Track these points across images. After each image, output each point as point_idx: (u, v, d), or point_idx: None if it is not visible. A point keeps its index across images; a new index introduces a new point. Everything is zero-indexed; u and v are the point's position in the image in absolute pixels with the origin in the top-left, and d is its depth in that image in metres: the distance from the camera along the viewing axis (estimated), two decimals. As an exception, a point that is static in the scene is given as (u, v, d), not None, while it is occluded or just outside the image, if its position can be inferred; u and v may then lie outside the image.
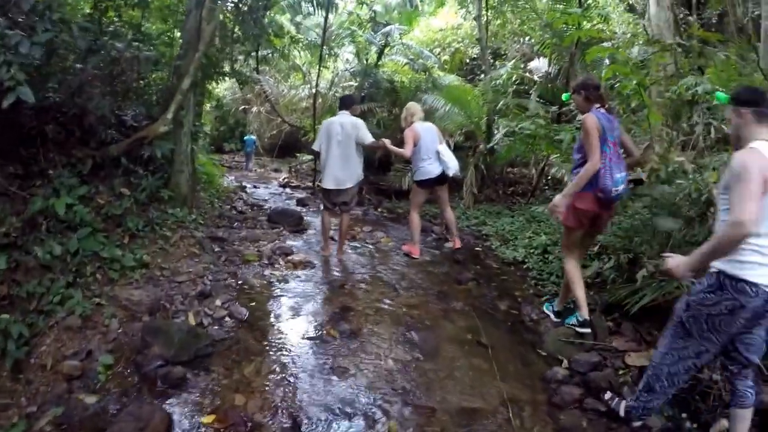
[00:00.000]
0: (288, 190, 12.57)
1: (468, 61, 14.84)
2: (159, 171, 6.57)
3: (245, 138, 18.25)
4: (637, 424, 2.86)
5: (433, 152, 5.72)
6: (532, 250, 6.03)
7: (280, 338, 3.73)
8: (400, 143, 6.07)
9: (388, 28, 11.76)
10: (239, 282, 4.80)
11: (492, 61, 12.14)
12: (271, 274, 5.05)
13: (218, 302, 4.25)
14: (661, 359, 2.65)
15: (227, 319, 4.00)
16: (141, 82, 6.92)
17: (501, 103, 9.10)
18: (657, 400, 2.71)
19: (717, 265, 2.39)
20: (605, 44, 10.79)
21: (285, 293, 4.59)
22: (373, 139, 5.55)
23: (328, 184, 5.46)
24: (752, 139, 2.35)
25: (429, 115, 9.66)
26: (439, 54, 14.47)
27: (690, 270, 2.42)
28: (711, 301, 2.40)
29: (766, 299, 2.33)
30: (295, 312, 4.16)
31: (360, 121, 5.49)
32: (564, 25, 9.76)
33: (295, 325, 3.94)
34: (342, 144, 5.34)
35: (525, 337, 4.05)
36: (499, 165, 9.63)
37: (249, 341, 3.67)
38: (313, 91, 12.84)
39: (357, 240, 6.66)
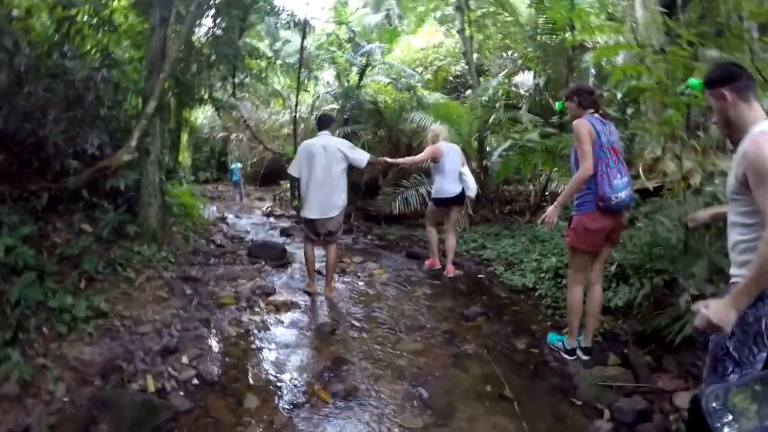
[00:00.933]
0: (272, 219, 11.92)
1: (451, 78, 14.51)
2: (125, 204, 5.98)
3: (231, 166, 17.61)
4: None
5: (455, 172, 5.66)
6: (542, 275, 5.42)
7: (258, 407, 3.01)
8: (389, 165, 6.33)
9: (368, 47, 11.31)
10: (212, 331, 4.13)
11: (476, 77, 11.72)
12: (249, 319, 4.38)
13: (185, 359, 3.56)
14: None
15: (195, 380, 3.30)
16: (105, 108, 6.32)
17: (492, 117, 8.61)
18: None
19: (745, 272, 1.89)
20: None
21: (265, 344, 3.90)
22: (370, 155, 5.24)
23: (311, 213, 4.87)
24: (749, 120, 1.95)
25: (417, 135, 9.16)
26: (421, 73, 14.08)
27: (736, 311, 1.82)
28: (753, 316, 1.90)
29: None
30: (278, 369, 3.46)
31: (347, 143, 5.12)
32: (550, 36, 9.47)
33: (277, 387, 3.24)
34: (325, 168, 4.79)
35: (553, 383, 3.40)
36: (494, 183, 9.09)
37: (220, 411, 2.97)
38: (293, 115, 12.34)
39: (347, 273, 6.01)
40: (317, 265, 5.47)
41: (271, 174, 19.90)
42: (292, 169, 4.99)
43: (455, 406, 3.04)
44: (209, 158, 22.64)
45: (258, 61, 11.17)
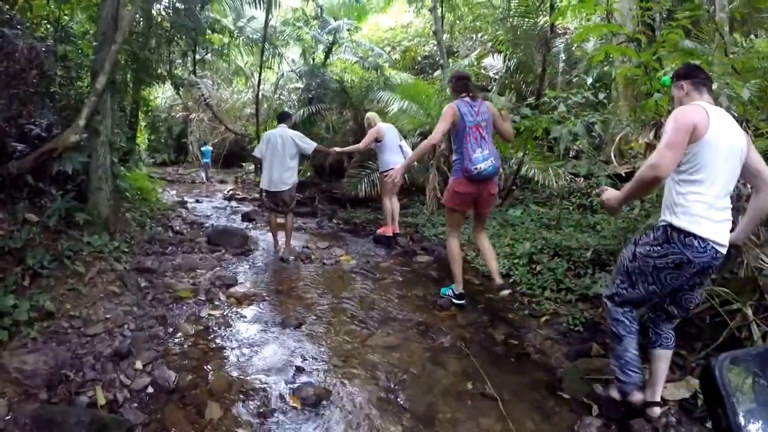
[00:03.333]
0: (233, 203, 11.47)
1: (420, 59, 14.23)
2: (75, 191, 5.54)
3: (202, 149, 17.34)
4: (637, 397, 2.61)
5: (396, 146, 6.59)
6: (516, 260, 5.27)
7: (221, 417, 2.70)
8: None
9: (336, 24, 10.88)
10: (169, 330, 3.79)
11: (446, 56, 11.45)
12: (209, 315, 4.05)
13: (139, 364, 3.23)
14: (611, 305, 2.71)
15: (150, 389, 2.98)
16: (56, 85, 5.81)
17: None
18: (628, 346, 2.65)
19: (665, 218, 2.45)
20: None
21: (227, 342, 3.58)
22: (316, 144, 6.14)
23: (264, 185, 5.98)
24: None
25: (383, 114, 8.89)
26: (389, 53, 13.74)
27: (621, 204, 2.55)
28: (658, 253, 2.44)
29: (714, 256, 2.36)
30: (242, 372, 3.14)
31: (298, 134, 6.05)
32: (522, 18, 9.31)
33: (241, 393, 2.93)
34: (278, 153, 5.82)
35: (536, 377, 3.23)
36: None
37: (178, 424, 2.65)
38: (257, 94, 11.81)
39: (313, 260, 5.72)
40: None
41: (233, 156, 19.31)
42: (257, 152, 6.08)
43: (436, 408, 2.82)
44: (168, 140, 21.77)
45: (220, 36, 10.62)
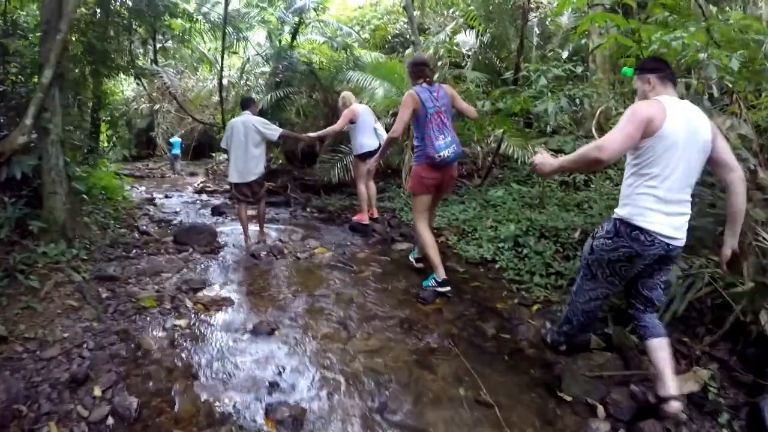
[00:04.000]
0: (204, 196, 11.04)
1: (390, 38, 13.80)
2: (29, 196, 5.17)
3: (171, 140, 17.27)
4: (562, 348, 3.12)
5: (371, 128, 6.44)
6: (500, 245, 5.03)
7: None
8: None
9: (301, 3, 10.37)
10: (131, 346, 3.44)
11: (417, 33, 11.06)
12: (174, 325, 3.71)
13: (98, 390, 2.89)
14: (576, 296, 2.85)
15: (110, 419, 2.65)
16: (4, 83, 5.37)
17: (436, 76, 8.04)
18: (575, 330, 2.98)
19: (616, 211, 2.50)
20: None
21: (193, 357, 3.26)
22: (281, 131, 5.89)
23: (233, 177, 5.80)
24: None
25: (354, 94, 8.55)
26: (359, 32, 13.28)
27: (553, 172, 2.59)
28: (609, 246, 2.51)
29: (666, 248, 2.40)
30: (210, 392, 2.81)
31: (262, 120, 5.81)
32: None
33: (210, 418, 2.62)
34: (243, 143, 5.62)
35: (534, 376, 2.99)
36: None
37: (137, 460, 2.36)
38: (223, 81, 11.29)
39: (285, 255, 5.40)
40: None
41: (203, 146, 18.73)
42: (223, 143, 5.93)
43: (427, 420, 2.55)
44: (133, 134, 20.99)
45: (181, 22, 10.04)
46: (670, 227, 2.36)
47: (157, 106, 17.51)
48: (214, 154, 15.20)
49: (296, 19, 10.77)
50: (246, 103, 6.03)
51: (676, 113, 2.33)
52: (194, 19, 10.14)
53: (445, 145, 3.92)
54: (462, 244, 5.36)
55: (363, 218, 6.44)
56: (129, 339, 3.55)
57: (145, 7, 8.07)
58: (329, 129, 6.57)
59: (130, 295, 4.27)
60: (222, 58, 9.52)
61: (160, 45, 10.03)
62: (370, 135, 6.39)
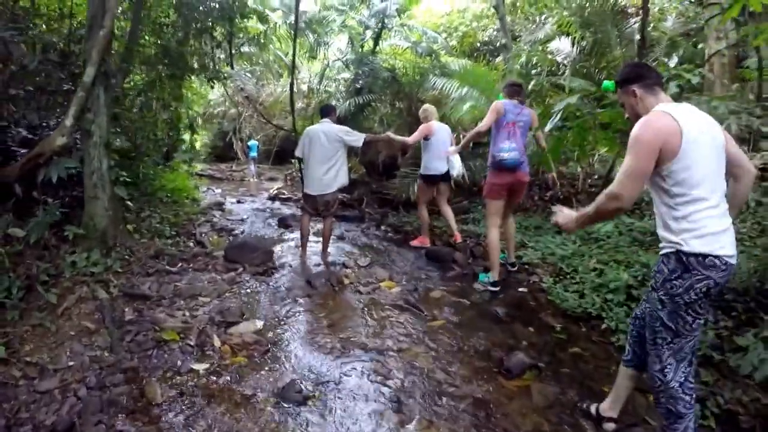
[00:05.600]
0: (276, 204, 10.59)
1: (479, 44, 12.84)
2: (70, 199, 4.82)
3: (249, 144, 17.59)
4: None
5: (441, 151, 5.93)
6: (608, 296, 3.94)
7: None
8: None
9: (382, 5, 9.69)
10: (134, 390, 2.78)
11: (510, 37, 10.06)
12: (191, 369, 3.00)
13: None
14: (668, 378, 2.19)
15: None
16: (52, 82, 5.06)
17: (533, 83, 7.04)
18: (689, 421, 2.20)
19: (674, 245, 2.11)
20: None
21: (199, 421, 2.49)
22: (365, 135, 5.52)
23: (311, 189, 5.37)
24: (652, 107, 2.19)
25: (439, 103, 7.69)
26: (446, 39, 12.44)
27: (579, 227, 2.40)
28: (682, 287, 2.08)
29: (730, 271, 2.10)
30: None
31: (345, 128, 5.49)
32: None
33: None
34: (323, 152, 5.26)
35: None
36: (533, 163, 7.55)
37: None
38: (302, 86, 10.86)
39: (346, 285, 4.60)
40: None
41: (284, 152, 18.60)
42: (298, 151, 5.51)
43: None
44: (222, 136, 21.37)
45: (258, 26, 9.70)
46: (731, 245, 2.11)
47: (241, 110, 17.54)
48: (293, 160, 14.91)
49: (378, 23, 10.09)
50: (326, 111, 5.66)
51: (689, 120, 2.07)
52: (270, 22, 9.70)
53: (508, 149, 4.38)
54: (559, 289, 4.32)
55: (425, 242, 6.16)
56: (135, 381, 2.94)
57: (218, 9, 7.71)
58: (402, 138, 6.13)
59: (154, 322, 3.66)
60: (293, 61, 8.96)
61: (236, 49, 9.64)
62: (441, 157, 5.93)
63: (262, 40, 9.90)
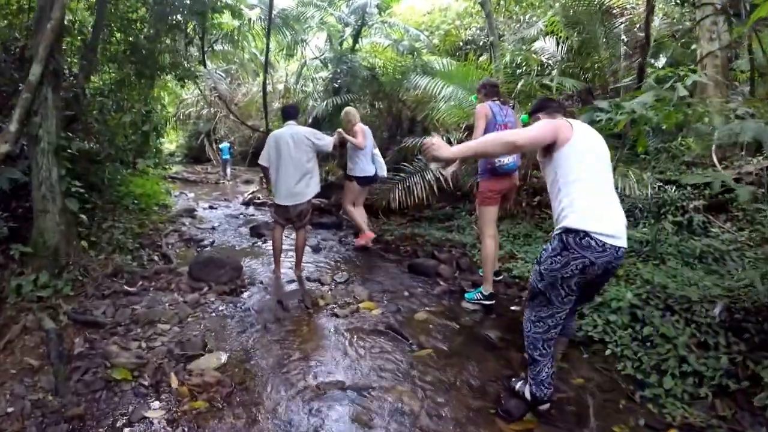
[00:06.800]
0: (251, 209, 10.14)
1: (461, 44, 12.53)
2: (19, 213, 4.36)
3: (221, 146, 16.95)
4: (545, 407, 2.66)
5: (371, 152, 6.03)
6: (611, 317, 3.61)
7: None
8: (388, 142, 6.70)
9: (363, 1, 9.29)
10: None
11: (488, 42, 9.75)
12: (142, 421, 2.58)
13: None
14: (533, 330, 2.60)
15: None
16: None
17: (521, 83, 6.74)
18: (545, 366, 2.59)
19: (558, 226, 2.42)
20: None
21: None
22: (332, 139, 5.23)
23: (283, 200, 4.94)
24: None
25: (423, 103, 7.38)
26: (428, 37, 12.10)
27: (454, 156, 2.33)
28: (560, 263, 2.36)
29: (616, 254, 2.34)
30: None
31: (313, 130, 5.12)
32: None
33: None
34: (293, 158, 4.84)
35: None
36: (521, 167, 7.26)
37: None
38: (278, 86, 10.40)
39: (322, 306, 4.21)
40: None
41: (260, 154, 18.08)
42: (262, 159, 5.00)
43: None
44: (197, 137, 20.73)
45: (231, 22, 9.21)
46: (614, 226, 2.38)
47: (213, 111, 16.98)
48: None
49: (358, 20, 9.70)
50: (290, 112, 5.20)
51: (579, 126, 2.51)
52: (244, 18, 9.23)
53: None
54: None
55: (370, 235, 6.13)
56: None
57: (189, 4, 7.25)
58: (354, 140, 5.82)
59: (106, 356, 3.22)
60: (266, 58, 8.53)
61: (209, 46, 9.15)
62: (368, 160, 5.99)
63: (236, 37, 9.37)
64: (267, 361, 3.23)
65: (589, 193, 2.35)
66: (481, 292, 4.28)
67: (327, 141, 5.06)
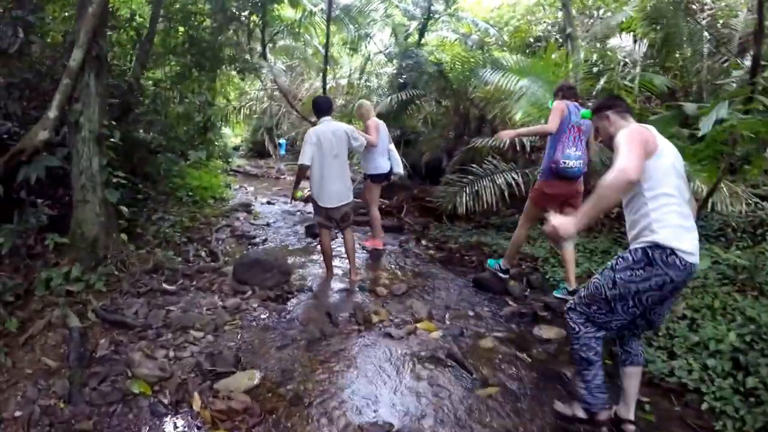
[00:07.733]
0: (309, 207, 9.80)
1: (532, 40, 11.82)
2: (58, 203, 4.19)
3: (280, 141, 17.46)
4: (605, 416, 2.43)
5: (386, 148, 5.79)
6: (709, 360, 2.95)
7: None
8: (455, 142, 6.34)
9: (428, -8, 8.80)
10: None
11: (561, 41, 8.99)
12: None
13: None
14: (583, 330, 2.44)
15: None
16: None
17: (603, 81, 6.04)
18: (600, 369, 2.46)
19: (645, 239, 2.28)
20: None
21: None
22: (364, 140, 4.99)
23: (330, 202, 4.64)
24: (623, 127, 2.42)
25: (496, 100, 6.83)
26: (498, 32, 11.47)
27: (579, 228, 2.15)
28: (640, 277, 2.26)
29: (690, 271, 2.25)
30: None
31: (352, 128, 4.94)
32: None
33: None
34: (337, 157, 4.61)
35: None
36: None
37: None
38: (341, 81, 10.08)
39: (374, 323, 3.74)
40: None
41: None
42: (305, 158, 4.52)
43: None
44: (258, 131, 20.89)
45: (291, 15, 8.95)
46: (693, 245, 2.26)
47: (278, 107, 16.95)
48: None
49: (424, 14, 9.21)
50: (325, 105, 4.84)
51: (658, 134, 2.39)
52: (303, 8, 8.94)
53: (574, 157, 4.07)
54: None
55: (377, 244, 5.82)
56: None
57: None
58: (366, 136, 5.26)
59: (128, 364, 2.90)
60: (326, 50, 8.18)
61: (271, 40, 8.92)
62: (385, 156, 5.75)
63: (297, 30, 9.10)
64: (305, 387, 2.79)
65: (678, 208, 2.26)
66: (499, 264, 4.62)
67: (361, 141, 4.85)
